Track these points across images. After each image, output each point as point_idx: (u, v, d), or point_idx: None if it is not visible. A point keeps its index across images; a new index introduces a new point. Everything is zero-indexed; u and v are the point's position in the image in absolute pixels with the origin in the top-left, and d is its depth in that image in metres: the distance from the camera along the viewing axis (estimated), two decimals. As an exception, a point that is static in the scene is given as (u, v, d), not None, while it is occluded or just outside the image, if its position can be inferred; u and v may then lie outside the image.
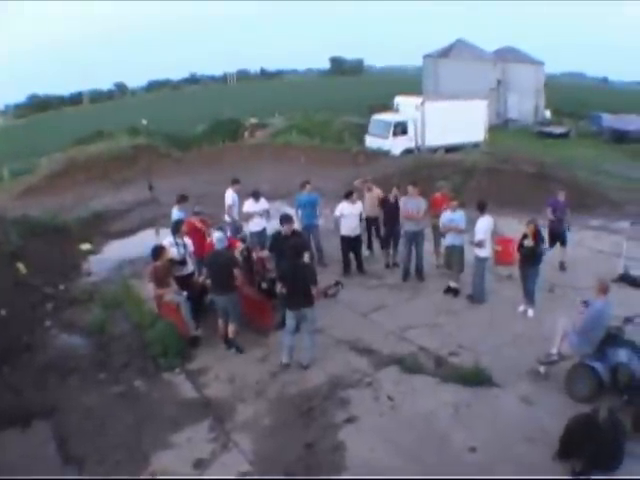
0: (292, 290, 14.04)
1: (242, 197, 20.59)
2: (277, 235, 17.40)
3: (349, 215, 19.80)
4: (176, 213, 18.93)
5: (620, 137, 59.58)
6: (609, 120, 64.18)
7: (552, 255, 19.27)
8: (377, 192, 21.25)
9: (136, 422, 12.64)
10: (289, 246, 14.70)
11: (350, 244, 20.18)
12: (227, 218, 20.74)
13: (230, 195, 21.06)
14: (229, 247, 16.52)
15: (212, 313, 16.15)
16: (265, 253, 17.56)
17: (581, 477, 10.50)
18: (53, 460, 11.49)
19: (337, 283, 18.97)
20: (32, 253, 21.49)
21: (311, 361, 14.37)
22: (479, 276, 17.97)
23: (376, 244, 21.94)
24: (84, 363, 14.97)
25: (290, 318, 14.26)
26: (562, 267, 20.50)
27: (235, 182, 21.31)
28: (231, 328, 15.23)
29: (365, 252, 21.40)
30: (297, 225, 19.81)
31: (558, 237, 20.40)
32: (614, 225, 26.23)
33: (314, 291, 14.11)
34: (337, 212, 19.97)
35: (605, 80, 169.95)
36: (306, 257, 15.85)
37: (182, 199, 19.37)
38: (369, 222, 21.44)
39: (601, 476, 10.48)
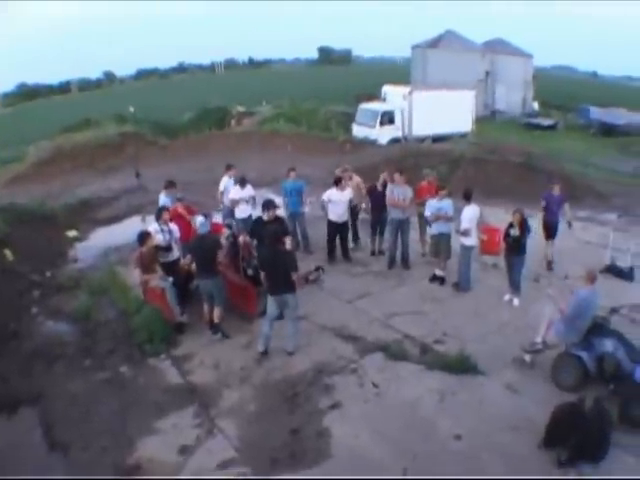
0: (272, 276, 14.01)
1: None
2: (258, 221, 17.40)
3: (337, 201, 19.79)
4: (163, 199, 19.00)
5: (608, 130, 59.72)
6: (597, 113, 64.27)
7: (539, 246, 19.20)
8: (357, 180, 21.41)
9: (121, 408, 12.64)
10: (268, 232, 14.61)
11: (337, 229, 20.22)
12: (226, 202, 20.79)
13: (224, 181, 21.19)
14: (214, 232, 16.59)
15: (197, 299, 16.16)
16: (247, 239, 17.45)
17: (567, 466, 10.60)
18: (39, 447, 11.46)
19: (318, 268, 18.93)
20: (19, 240, 21.49)
21: (295, 348, 14.36)
22: (465, 264, 18.02)
23: (360, 232, 21.88)
24: (70, 350, 14.94)
25: (271, 304, 14.21)
26: (549, 265, 19.93)
27: (229, 168, 21.46)
28: (216, 312, 15.22)
29: (350, 244, 21.34)
30: (283, 212, 20.08)
31: (550, 230, 20.01)
32: (601, 217, 26.42)
33: (294, 277, 13.98)
34: (325, 197, 19.95)
35: (595, 74, 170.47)
36: (288, 243, 15.86)
37: (169, 185, 19.38)
38: (350, 211, 21.25)
39: (588, 465, 10.52)
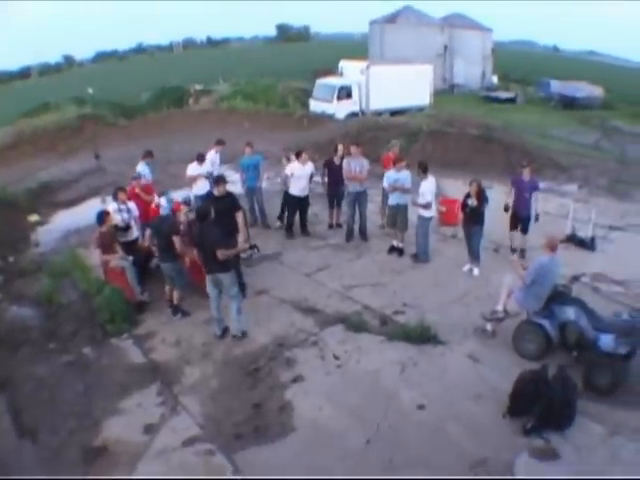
0: (204, 254, 13.84)
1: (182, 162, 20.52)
2: (210, 196, 17.45)
3: (299, 176, 19.83)
4: (141, 167, 19.69)
5: (569, 103, 60.06)
6: (558, 86, 64.58)
7: (497, 216, 18.69)
8: (310, 166, 20.69)
9: (86, 390, 12.61)
10: (199, 209, 14.53)
11: (299, 203, 20.25)
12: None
13: (211, 155, 21.16)
14: (173, 212, 16.55)
15: (158, 278, 16.21)
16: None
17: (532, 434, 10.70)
18: (9, 434, 11.39)
19: (252, 247, 18.61)
20: (-19, 227, 21.31)
21: (240, 330, 14.24)
22: (423, 235, 18.10)
23: (317, 206, 21.86)
24: (34, 334, 14.81)
25: (209, 284, 14.07)
26: (522, 254, 18.01)
27: (219, 143, 21.54)
28: (175, 295, 15.32)
29: (276, 223, 21.34)
30: (240, 188, 20.49)
31: (520, 221, 18.43)
32: (561, 188, 26.71)
33: (219, 254, 13.46)
34: (288, 171, 19.96)
35: (556, 49, 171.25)
36: (239, 217, 15.85)
37: (147, 154, 20.11)
38: (297, 201, 20.77)
39: (554, 433, 10.67)
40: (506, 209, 18.38)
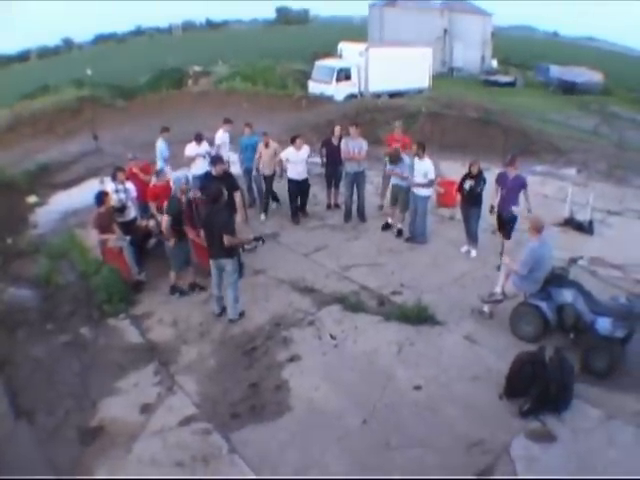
0: (208, 238, 13.79)
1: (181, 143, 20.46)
2: (207, 176, 17.47)
3: (295, 161, 19.67)
4: (160, 143, 20.12)
5: (568, 88, 60.15)
6: (557, 71, 64.73)
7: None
8: (274, 147, 20.54)
9: (83, 370, 12.61)
10: (209, 191, 14.25)
11: (298, 187, 20.13)
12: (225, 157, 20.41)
13: (220, 135, 21.15)
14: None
15: (155, 258, 16.33)
16: (197, 194, 17.22)
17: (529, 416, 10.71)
18: (6, 416, 11.39)
19: (257, 239, 18.50)
20: (-21, 209, 21.30)
21: (236, 315, 14.20)
22: (422, 215, 18.09)
23: (316, 187, 21.74)
24: (31, 315, 14.80)
25: (212, 268, 14.04)
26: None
27: (227, 121, 21.41)
28: (171, 275, 15.44)
29: (262, 216, 20.85)
30: (239, 168, 20.74)
31: (504, 224, 16.89)
32: (560, 172, 26.75)
33: (226, 240, 13.42)
34: (283, 157, 19.83)
35: (555, 34, 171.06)
36: (237, 198, 15.89)
37: (164, 130, 20.32)
38: (265, 180, 20.78)
39: (550, 416, 10.70)
40: (491, 210, 17.07)
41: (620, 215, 21.03)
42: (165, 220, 14.58)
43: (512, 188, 16.40)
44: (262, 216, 20.72)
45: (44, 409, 11.45)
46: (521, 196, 16.54)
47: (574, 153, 29.78)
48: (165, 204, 15.13)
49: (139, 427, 10.85)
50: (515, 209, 16.35)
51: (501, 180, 16.70)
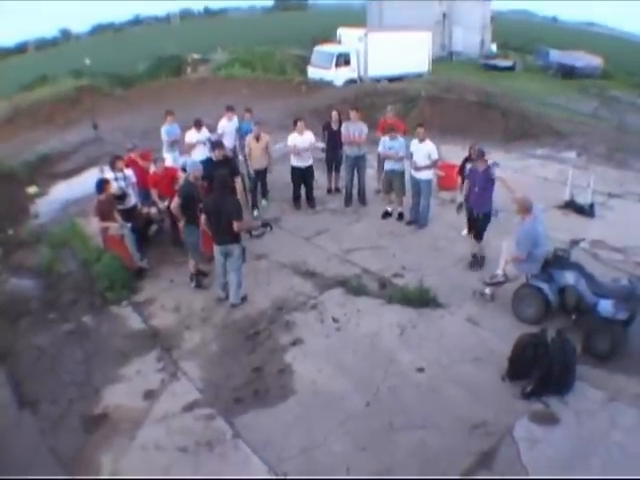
0: (215, 224, 13.69)
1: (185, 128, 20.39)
2: (208, 162, 17.35)
3: (299, 147, 19.51)
4: (165, 129, 19.89)
5: (568, 72, 59.90)
6: (557, 55, 64.47)
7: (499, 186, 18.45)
8: (266, 140, 19.64)
9: (86, 358, 12.65)
10: (217, 176, 14.10)
11: (301, 174, 19.95)
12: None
13: (223, 123, 20.95)
14: (168, 176, 16.78)
15: (157, 244, 16.54)
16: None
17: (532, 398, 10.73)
18: (9, 405, 11.44)
19: (265, 225, 18.41)
20: (-20, 201, 21.30)
21: (238, 300, 14.21)
22: (426, 199, 18.10)
23: (316, 171, 21.05)
24: (34, 305, 14.86)
25: (217, 253, 14.01)
26: (473, 265, 15.86)
27: (230, 109, 21.16)
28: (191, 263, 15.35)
29: (254, 212, 20.07)
30: (240, 154, 20.53)
31: (474, 222, 15.85)
32: (560, 155, 26.72)
33: (236, 226, 13.45)
34: (290, 142, 19.64)
35: (555, 19, 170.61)
36: (238, 183, 15.87)
37: (168, 113, 20.17)
38: (256, 175, 19.95)
39: (553, 398, 10.72)
40: (459, 208, 16.19)
41: (621, 198, 20.98)
42: (175, 201, 14.41)
43: (481, 183, 15.24)
44: (255, 212, 19.99)
45: (47, 398, 11.47)
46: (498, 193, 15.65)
47: (574, 136, 29.70)
48: (178, 187, 15.14)
49: (143, 414, 10.88)
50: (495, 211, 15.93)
51: (471, 176, 15.71)
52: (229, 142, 20.41)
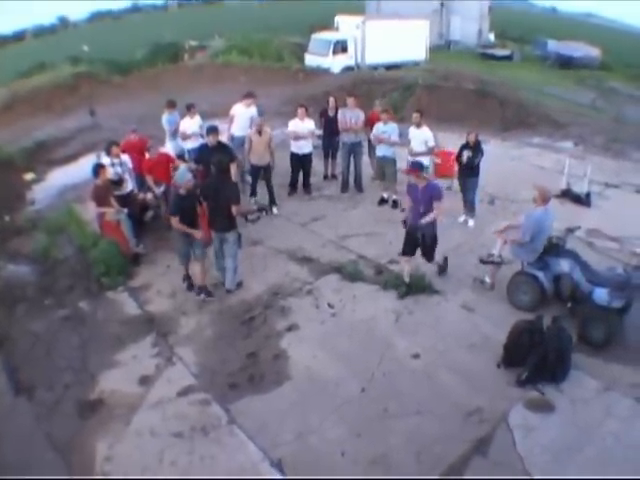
0: (213, 209, 13.59)
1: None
2: (203, 147, 17.21)
3: (299, 133, 19.34)
4: (166, 118, 19.64)
5: (565, 63, 60.03)
6: (555, 45, 64.56)
7: (491, 169, 18.81)
8: (269, 134, 18.47)
9: (82, 343, 12.67)
10: (214, 161, 14.03)
11: (300, 161, 19.77)
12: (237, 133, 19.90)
13: (240, 110, 20.05)
14: (164, 162, 16.91)
15: (153, 230, 16.49)
16: (193, 166, 16.80)
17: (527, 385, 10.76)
18: (5, 392, 11.46)
19: (260, 209, 18.08)
20: (-24, 188, 21.28)
21: (233, 285, 14.21)
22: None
23: (313, 159, 20.79)
24: (30, 291, 14.86)
25: (215, 240, 13.96)
26: (441, 271, 14.81)
27: (248, 96, 19.97)
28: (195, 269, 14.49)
29: (251, 200, 19.08)
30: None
31: (421, 243, 13.96)
32: (557, 144, 26.74)
33: (234, 210, 13.38)
34: (291, 129, 19.45)
35: (554, 10, 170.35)
36: (233, 169, 15.71)
37: (170, 104, 19.89)
38: (257, 170, 18.75)
39: (549, 385, 10.76)
40: (404, 224, 14.11)
41: (617, 188, 20.98)
42: (174, 220, 13.48)
43: (423, 201, 13.51)
44: (252, 200, 19.00)
45: (43, 384, 11.49)
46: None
47: (571, 126, 29.73)
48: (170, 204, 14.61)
49: (138, 399, 10.91)
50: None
51: (411, 192, 13.85)
52: (237, 128, 19.82)
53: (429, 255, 14.24)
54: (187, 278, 14.62)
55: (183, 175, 13.80)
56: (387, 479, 9.08)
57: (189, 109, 19.42)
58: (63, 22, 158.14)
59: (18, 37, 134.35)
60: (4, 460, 9.73)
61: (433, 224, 13.76)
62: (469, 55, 63.77)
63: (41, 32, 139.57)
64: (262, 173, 18.76)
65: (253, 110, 19.57)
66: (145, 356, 12.11)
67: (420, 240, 13.84)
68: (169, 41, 60.27)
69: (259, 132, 18.24)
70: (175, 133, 19.58)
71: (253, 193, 19.18)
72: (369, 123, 19.77)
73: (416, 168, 13.73)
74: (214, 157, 14.40)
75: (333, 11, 58.48)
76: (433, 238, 13.97)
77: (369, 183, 20.52)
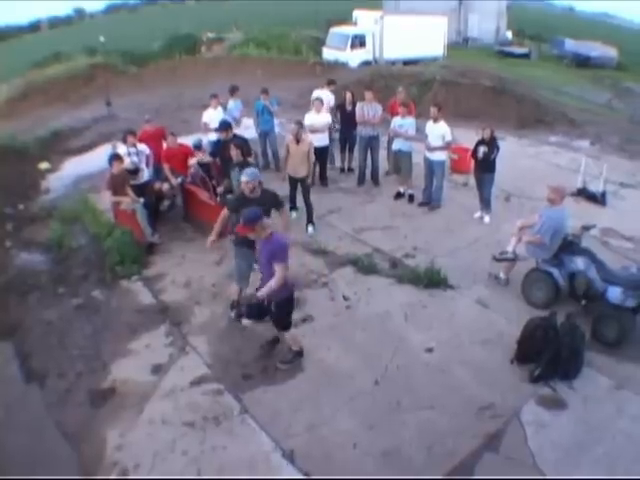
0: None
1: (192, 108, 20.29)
2: (217, 142, 17.29)
3: (315, 126, 19.20)
4: (231, 104, 20.15)
5: (582, 62, 60.00)
6: (572, 45, 64.54)
7: (508, 165, 18.94)
8: (308, 143, 16.70)
9: (95, 332, 12.65)
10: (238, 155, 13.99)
11: (316, 154, 18.69)
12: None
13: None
14: (182, 153, 16.99)
15: (169, 220, 16.64)
16: (207, 158, 17.11)
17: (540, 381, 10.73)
18: (16, 380, 11.46)
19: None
20: (-9, 176, 21.32)
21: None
22: (439, 180, 18.10)
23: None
24: (44, 279, 14.84)
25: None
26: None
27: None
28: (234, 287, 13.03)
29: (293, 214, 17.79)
30: (254, 132, 20.64)
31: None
32: (573, 143, 26.69)
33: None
34: (307, 122, 18.95)
35: (572, 9, 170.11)
36: (250, 160, 15.61)
37: (234, 90, 20.39)
38: (294, 183, 17.19)
39: (561, 382, 10.73)
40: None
41: (633, 188, 20.91)
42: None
43: (263, 262, 10.56)
44: (293, 214, 17.25)
45: (55, 372, 11.47)
46: None
47: (587, 126, 29.71)
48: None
49: (150, 388, 10.89)
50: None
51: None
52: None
53: (283, 326, 11.13)
54: (237, 305, 12.59)
55: (254, 174, 12.00)
56: (395, 479, 9.03)
57: (212, 97, 19.78)
58: (79, 13, 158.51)
59: (33, 27, 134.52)
60: (14, 448, 9.73)
61: (285, 288, 10.53)
62: (486, 53, 63.75)
63: (57, 23, 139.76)
64: (298, 186, 17.20)
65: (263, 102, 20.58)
66: (158, 345, 12.09)
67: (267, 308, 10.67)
68: (186, 33, 60.20)
69: (297, 140, 16.42)
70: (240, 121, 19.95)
71: (293, 207, 17.55)
72: (390, 111, 19.99)
73: (248, 222, 10.18)
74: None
75: (351, 7, 58.45)
76: (280, 308, 10.69)
77: (385, 177, 20.58)
